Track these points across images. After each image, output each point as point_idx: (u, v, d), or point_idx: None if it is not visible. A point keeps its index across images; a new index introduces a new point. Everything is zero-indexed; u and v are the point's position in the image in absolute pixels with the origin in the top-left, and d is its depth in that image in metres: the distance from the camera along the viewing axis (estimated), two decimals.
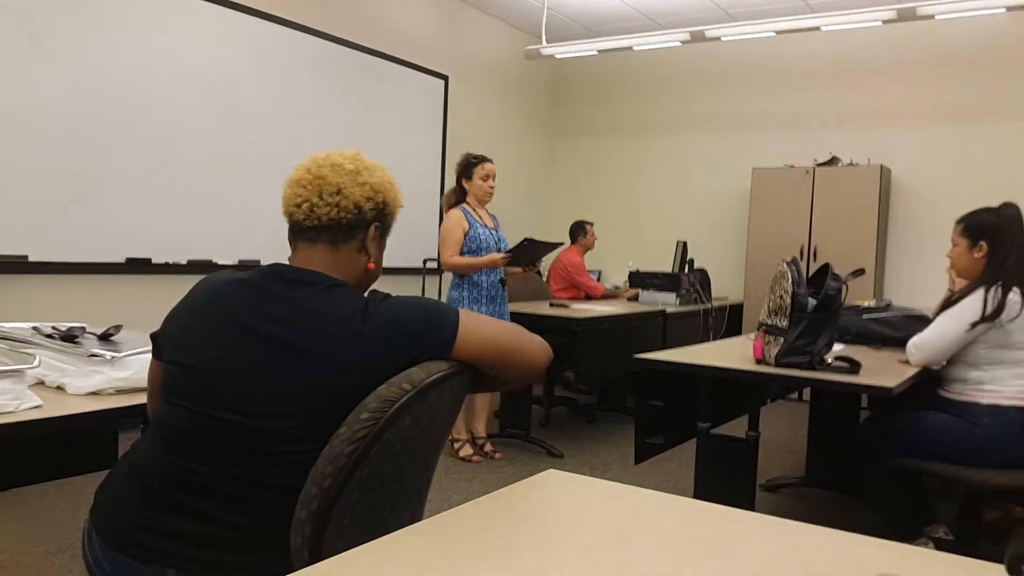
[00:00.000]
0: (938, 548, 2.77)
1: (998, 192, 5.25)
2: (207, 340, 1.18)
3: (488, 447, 4.18)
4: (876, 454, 2.76)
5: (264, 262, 4.58)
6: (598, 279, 6.67)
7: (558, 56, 6.41)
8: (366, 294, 1.21)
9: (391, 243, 1.39)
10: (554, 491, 1.11)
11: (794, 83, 6.40)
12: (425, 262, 5.79)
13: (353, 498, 1.07)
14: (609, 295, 5.56)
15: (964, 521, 2.87)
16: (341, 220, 1.25)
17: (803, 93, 6.36)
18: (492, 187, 4.09)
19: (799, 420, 3.98)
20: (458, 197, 4.08)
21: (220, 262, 4.48)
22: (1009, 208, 2.72)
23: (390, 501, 1.15)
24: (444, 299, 4.04)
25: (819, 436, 3.74)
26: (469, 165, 4.10)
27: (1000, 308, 2.57)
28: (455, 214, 4.00)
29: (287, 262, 1.28)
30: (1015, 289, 2.60)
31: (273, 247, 4.73)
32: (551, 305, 4.65)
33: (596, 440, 4.56)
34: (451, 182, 4.64)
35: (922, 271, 5.82)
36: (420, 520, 1.07)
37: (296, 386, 1.11)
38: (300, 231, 1.28)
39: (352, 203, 1.26)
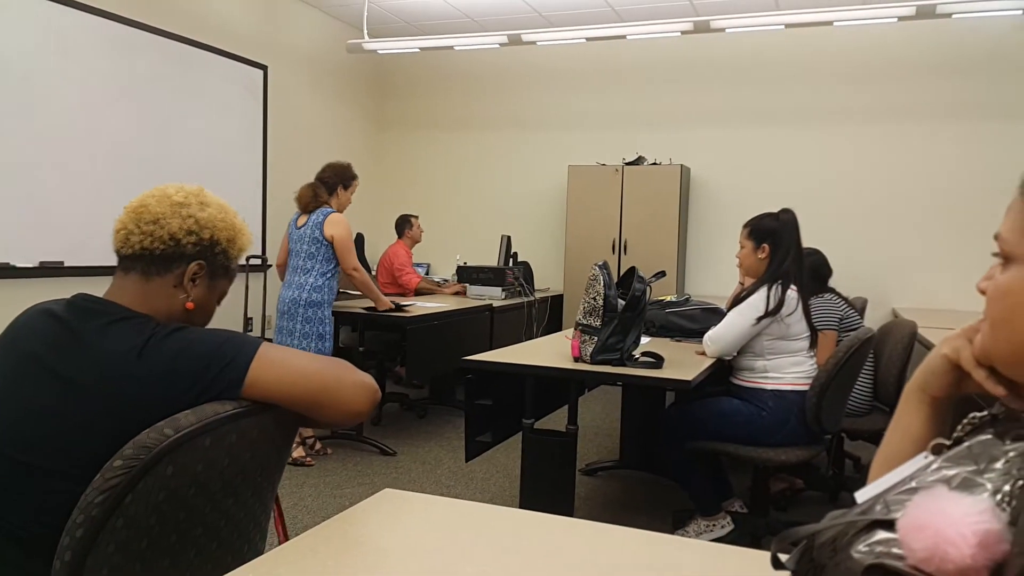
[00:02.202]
0: (734, 521, 3.12)
1: (785, 191, 5.91)
2: (1, 372, 1.14)
3: (318, 445, 4.15)
4: (679, 437, 3.05)
5: (67, 264, 4.30)
6: (426, 273, 6.74)
7: (381, 52, 6.37)
8: (154, 328, 1.15)
9: None
10: (390, 513, 1.17)
11: (605, 85, 6.78)
12: (248, 259, 5.57)
13: (109, 549, 1.03)
14: (425, 289, 5.63)
15: (755, 493, 3.24)
16: (154, 250, 1.22)
17: (613, 95, 6.76)
18: None
19: (614, 405, 4.29)
20: (321, 200, 4.03)
21: (18, 264, 4.07)
22: (787, 214, 3.09)
23: (174, 550, 1.10)
24: (304, 304, 3.93)
25: (631, 421, 4.05)
26: (351, 176, 4.13)
27: (780, 304, 2.92)
28: (345, 220, 4.00)
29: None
30: (792, 287, 2.98)
31: (75, 247, 4.40)
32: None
33: (429, 435, 4.65)
34: (277, 176, 4.54)
35: (719, 264, 6.40)
36: (248, 560, 1.07)
37: (75, 424, 1.07)
38: (119, 259, 1.25)
39: (167, 233, 1.22)
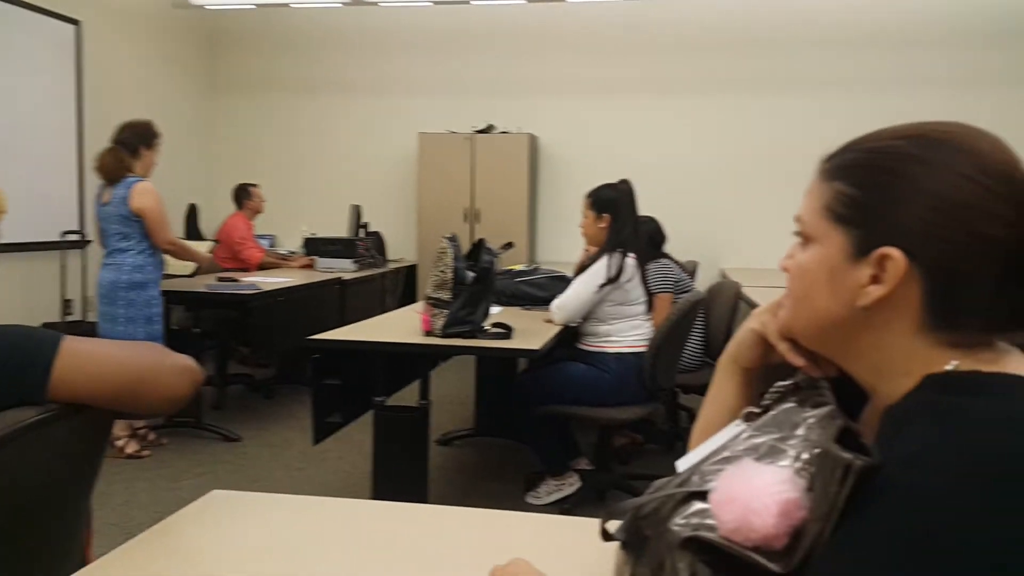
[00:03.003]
0: (582, 478, 3.24)
1: (626, 160, 6.12)
2: None
3: (152, 436, 3.90)
4: (530, 403, 3.12)
5: None
6: (271, 246, 6.46)
7: (210, 7, 5.96)
8: None
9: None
10: (219, 517, 1.11)
11: (454, 51, 6.71)
12: (64, 235, 5.10)
13: None
14: (270, 264, 5.40)
15: (600, 450, 3.38)
16: None
17: (462, 62, 6.70)
18: None
19: (469, 374, 4.32)
20: (126, 164, 3.64)
21: None
22: (624, 184, 3.20)
23: None
24: (125, 287, 3.61)
25: (485, 390, 4.10)
26: (153, 135, 3.75)
27: (620, 271, 3.04)
28: (153, 188, 3.64)
29: None
30: (631, 254, 3.10)
31: None
32: (219, 279, 4.42)
33: (277, 417, 4.49)
34: (96, 143, 4.14)
35: (569, 231, 6.56)
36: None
37: None
38: None
39: None
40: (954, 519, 0.57)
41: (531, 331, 2.92)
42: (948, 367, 0.69)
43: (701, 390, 3.70)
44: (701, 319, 3.77)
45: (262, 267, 5.30)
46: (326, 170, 7.04)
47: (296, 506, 1.16)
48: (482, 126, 6.38)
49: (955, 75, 5.91)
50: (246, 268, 5.20)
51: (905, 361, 0.71)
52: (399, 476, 2.80)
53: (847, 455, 0.63)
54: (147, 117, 3.87)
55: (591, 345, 3.16)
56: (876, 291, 0.70)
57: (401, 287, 6.19)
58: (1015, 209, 0.67)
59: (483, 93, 6.67)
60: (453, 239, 2.81)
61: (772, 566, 0.63)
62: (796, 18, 6.13)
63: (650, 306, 3.23)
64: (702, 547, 0.67)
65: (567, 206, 6.53)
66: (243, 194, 5.43)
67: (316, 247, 5.50)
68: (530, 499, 3.22)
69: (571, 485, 3.20)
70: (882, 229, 0.70)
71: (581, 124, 6.55)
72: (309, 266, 5.43)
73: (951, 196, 0.68)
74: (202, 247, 4.03)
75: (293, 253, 5.98)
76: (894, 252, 0.69)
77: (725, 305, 3.76)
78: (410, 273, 6.41)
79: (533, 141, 6.38)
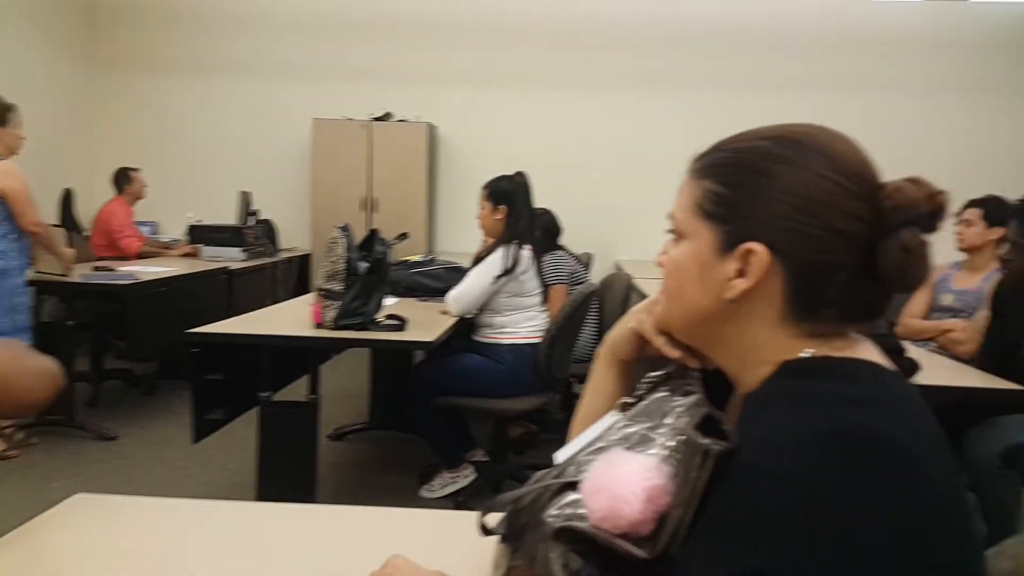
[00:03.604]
0: (477, 469, 3.24)
1: (524, 152, 6.16)
2: None
3: (19, 435, 3.62)
4: (426, 395, 3.09)
5: None
6: (152, 233, 6.13)
7: None
8: None
9: None
10: (83, 522, 1.04)
11: (352, 36, 6.55)
12: None
13: None
14: (150, 252, 5.13)
15: (496, 441, 3.39)
16: None
17: (360, 47, 6.55)
18: None
19: (363, 366, 4.24)
20: None
21: None
22: (520, 176, 3.21)
23: None
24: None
25: (380, 383, 4.04)
26: (6, 108, 3.46)
27: (516, 263, 3.05)
28: (17, 169, 3.37)
29: None
30: (526, 246, 3.11)
31: None
32: (95, 268, 4.16)
33: (157, 414, 4.27)
34: None
35: (467, 222, 6.54)
36: None
37: None
38: None
39: None
40: (803, 495, 0.60)
41: (426, 323, 2.89)
42: (803, 355, 0.73)
43: None
44: (595, 310, 3.84)
45: (142, 256, 5.02)
46: (214, 155, 6.74)
47: (166, 509, 1.10)
48: (380, 114, 6.27)
49: (823, 78, 6.25)
50: (124, 257, 4.91)
51: (766, 350, 0.75)
52: (286, 474, 2.71)
53: (705, 441, 0.65)
54: (16, 96, 3.59)
55: (487, 336, 3.16)
56: (741, 284, 0.74)
57: (294, 278, 6.01)
58: (868, 206, 0.71)
59: (381, 80, 6.55)
60: (345, 228, 2.74)
61: (638, 552, 0.65)
62: (686, 17, 6.33)
63: (545, 297, 3.27)
64: (574, 537, 0.68)
65: (466, 197, 6.51)
66: (123, 179, 5.12)
67: (201, 235, 5.25)
68: (424, 492, 3.19)
69: (466, 477, 3.19)
70: (747, 225, 0.74)
71: (481, 115, 6.53)
72: (193, 255, 5.18)
73: (810, 194, 0.71)
74: (68, 252, 3.79)
75: (176, 241, 5.69)
76: (757, 247, 0.72)
77: (618, 296, 3.85)
78: (303, 263, 6.23)
79: (432, 131, 6.32)
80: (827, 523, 0.59)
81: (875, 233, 0.71)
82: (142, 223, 5.54)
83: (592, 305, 3.74)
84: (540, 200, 3.60)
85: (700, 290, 0.77)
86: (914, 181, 0.73)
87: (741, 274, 0.74)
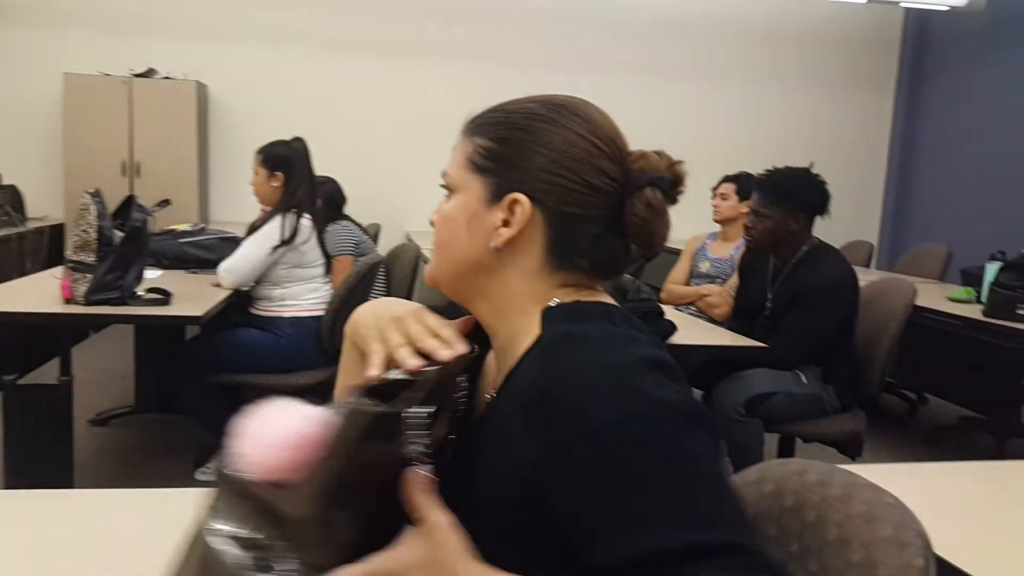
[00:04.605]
0: None
1: (306, 117, 5.89)
2: None
3: None
4: (200, 373, 2.91)
5: None
6: None
7: None
8: None
9: None
10: None
11: None
12: None
13: None
14: None
15: None
16: None
17: None
18: None
19: (129, 345, 3.89)
20: None
21: None
22: (299, 142, 3.08)
23: None
24: None
25: (146, 362, 3.73)
26: None
27: (295, 232, 2.93)
28: None
29: None
30: (306, 215, 3.00)
31: None
32: None
33: None
34: None
35: (245, 190, 6.18)
36: None
37: None
38: None
39: None
40: (584, 427, 0.66)
41: (196, 296, 2.70)
42: (552, 304, 0.80)
43: None
44: (383, 281, 3.81)
45: None
46: None
47: None
48: (141, 69, 5.70)
49: (604, 60, 6.60)
50: None
51: (525, 300, 0.81)
52: (38, 463, 2.45)
53: (364, 400, 0.66)
54: None
55: (265, 310, 3.02)
56: (507, 232, 0.80)
57: (45, 250, 5.36)
58: (618, 167, 0.81)
59: (143, 32, 5.95)
60: (96, 194, 2.48)
61: (289, 503, 0.63)
62: None
63: (329, 269, 3.18)
64: (235, 486, 0.66)
65: (243, 163, 6.12)
66: None
67: None
68: (199, 475, 3.01)
69: None
70: (512, 176, 0.80)
71: (260, 76, 6.16)
72: None
73: (568, 150, 0.79)
74: None
75: None
76: (521, 197, 0.79)
77: (406, 267, 3.83)
78: (56, 233, 5.57)
79: (202, 90, 5.87)
80: (680, 446, 0.66)
81: (623, 192, 0.80)
82: None
83: (379, 276, 3.70)
84: (325, 168, 3.49)
85: (468, 240, 0.82)
86: (658, 153, 0.83)
87: (507, 224, 0.80)
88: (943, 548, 0.93)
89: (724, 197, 3.61)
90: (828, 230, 2.81)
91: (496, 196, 0.81)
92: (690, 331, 2.58)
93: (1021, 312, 2.95)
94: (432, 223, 0.88)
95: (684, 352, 2.54)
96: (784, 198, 2.67)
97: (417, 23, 6.30)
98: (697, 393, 2.92)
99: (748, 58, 6.73)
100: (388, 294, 3.87)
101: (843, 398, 2.67)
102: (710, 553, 0.61)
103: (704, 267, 3.71)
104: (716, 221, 3.68)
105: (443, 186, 0.88)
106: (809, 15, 6.69)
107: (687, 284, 3.76)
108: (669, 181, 0.82)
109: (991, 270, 3.20)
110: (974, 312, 3.18)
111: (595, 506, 0.65)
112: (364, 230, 3.87)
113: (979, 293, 3.36)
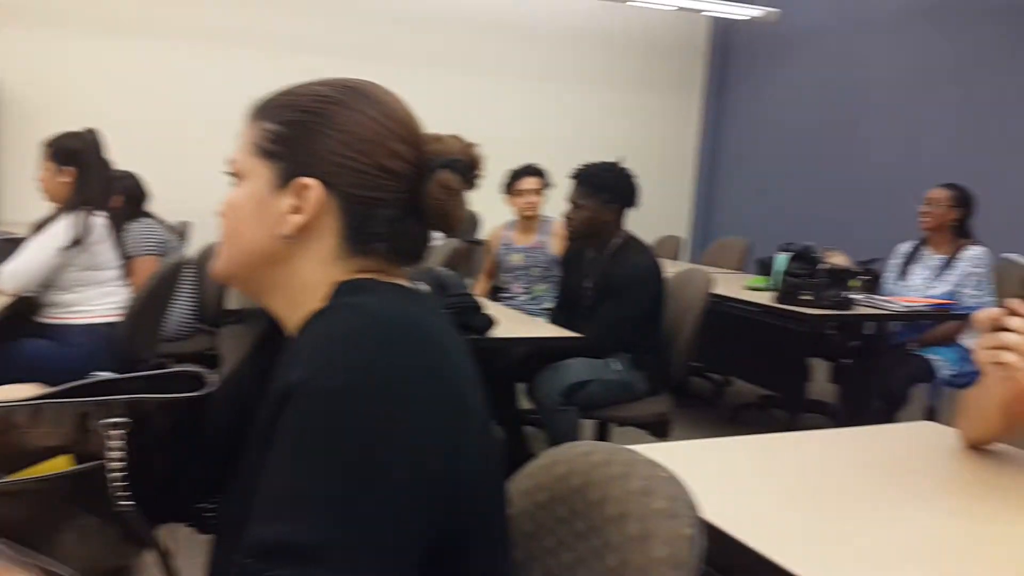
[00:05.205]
0: None
1: (111, 111, 5.42)
2: None
3: None
4: None
5: None
6: None
7: None
8: None
9: None
10: None
11: None
12: None
13: None
14: None
15: None
16: None
17: None
18: None
19: None
20: None
21: None
22: (91, 134, 2.83)
23: None
24: None
25: None
26: None
27: (87, 231, 2.68)
28: None
29: None
30: (100, 213, 2.76)
31: None
32: None
33: None
34: None
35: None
36: None
37: None
38: None
39: None
40: (294, 392, 0.64)
41: None
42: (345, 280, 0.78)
43: (194, 358, 3.54)
44: (193, 283, 3.58)
45: None
46: None
47: None
48: None
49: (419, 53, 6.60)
50: None
51: (319, 289, 0.77)
52: None
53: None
54: None
55: (54, 317, 2.74)
56: (297, 219, 0.77)
57: None
58: (412, 149, 0.79)
59: None
60: None
61: None
62: None
63: (130, 270, 2.94)
64: None
65: (36, 159, 5.58)
66: None
67: None
68: None
69: None
70: (302, 161, 0.77)
71: (54, 65, 5.59)
72: None
73: (359, 132, 0.77)
74: None
75: None
76: (311, 181, 0.76)
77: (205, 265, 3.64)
78: None
79: None
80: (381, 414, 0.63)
81: (419, 174, 0.79)
82: None
83: (191, 277, 3.49)
84: (128, 162, 3.25)
85: (257, 229, 0.78)
86: (454, 136, 0.83)
87: (298, 211, 0.77)
88: (718, 515, 1.00)
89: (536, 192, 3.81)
90: (642, 225, 2.99)
91: (285, 182, 0.77)
92: (509, 324, 2.63)
93: (804, 298, 3.26)
94: (220, 215, 0.83)
95: (504, 345, 2.59)
96: (598, 190, 2.83)
97: (228, 8, 5.98)
98: (521, 386, 3.00)
99: (564, 59, 6.98)
100: (198, 295, 3.66)
101: (652, 382, 2.83)
102: (288, 552, 0.58)
103: (518, 259, 3.80)
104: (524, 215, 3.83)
105: (230, 173, 0.83)
106: (622, 20, 7.04)
107: (494, 278, 3.92)
108: (466, 164, 0.82)
109: (781, 260, 3.51)
110: (768, 299, 3.47)
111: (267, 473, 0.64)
112: (171, 228, 3.62)
113: (774, 282, 3.68)
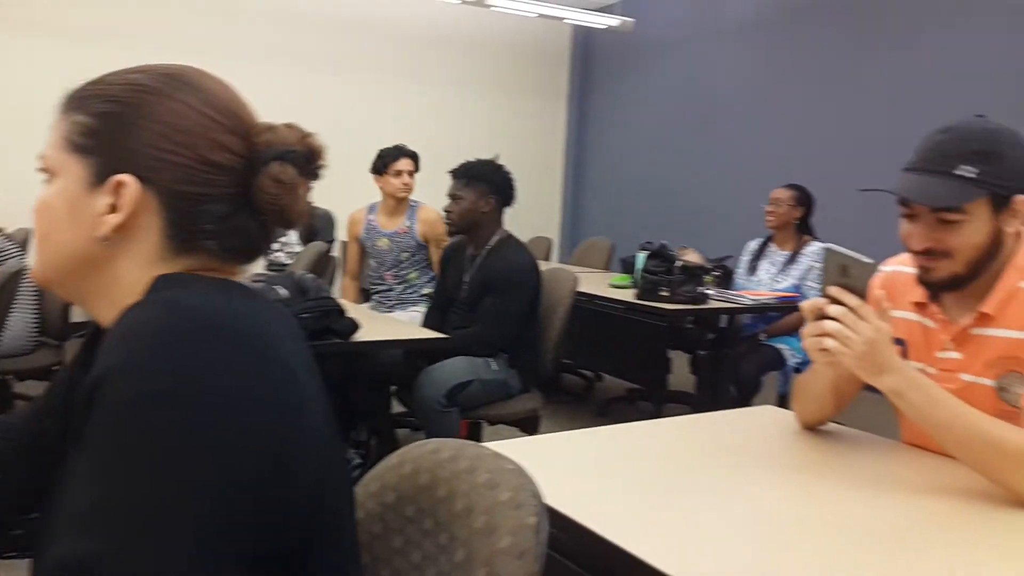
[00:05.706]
0: None
1: None
2: None
3: None
4: None
5: None
6: None
7: None
8: None
9: None
10: None
11: None
12: None
13: None
14: None
15: None
16: None
17: None
18: None
19: None
20: None
21: None
22: None
23: None
24: None
25: None
26: None
27: None
28: None
29: None
30: None
31: None
32: None
33: None
34: None
35: None
36: None
37: None
38: None
39: None
40: (96, 395, 0.60)
41: None
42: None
43: (40, 374, 3.29)
44: (34, 295, 3.32)
45: None
46: None
47: None
48: None
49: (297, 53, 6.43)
50: None
51: (139, 289, 0.72)
52: None
53: None
54: None
55: None
56: (114, 219, 0.71)
57: None
58: (241, 140, 0.74)
59: None
60: None
61: None
62: None
63: None
64: None
65: None
66: None
67: None
68: None
69: None
70: (117, 156, 0.72)
71: None
72: None
73: (178, 123, 0.72)
74: None
75: None
76: (127, 178, 0.71)
77: None
78: None
79: None
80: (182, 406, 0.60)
81: (250, 167, 0.74)
82: None
83: (28, 288, 3.23)
84: None
85: (70, 230, 0.73)
86: (289, 126, 0.78)
87: (114, 209, 0.71)
88: (566, 503, 1.03)
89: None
90: (514, 227, 3.04)
91: (99, 178, 0.72)
92: (375, 326, 2.60)
93: (662, 294, 3.41)
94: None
95: (373, 348, 2.55)
96: (475, 181, 2.89)
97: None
98: (393, 388, 2.96)
99: (431, 62, 6.98)
100: (41, 307, 3.39)
101: (525, 380, 2.87)
102: (79, 568, 0.55)
103: (384, 243, 3.75)
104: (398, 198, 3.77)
105: (41, 170, 0.76)
106: (488, 26, 7.11)
107: (361, 267, 3.86)
108: (303, 155, 0.76)
109: (640, 258, 3.66)
110: (630, 296, 3.61)
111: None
112: (9, 237, 3.34)
113: (635, 280, 3.83)
